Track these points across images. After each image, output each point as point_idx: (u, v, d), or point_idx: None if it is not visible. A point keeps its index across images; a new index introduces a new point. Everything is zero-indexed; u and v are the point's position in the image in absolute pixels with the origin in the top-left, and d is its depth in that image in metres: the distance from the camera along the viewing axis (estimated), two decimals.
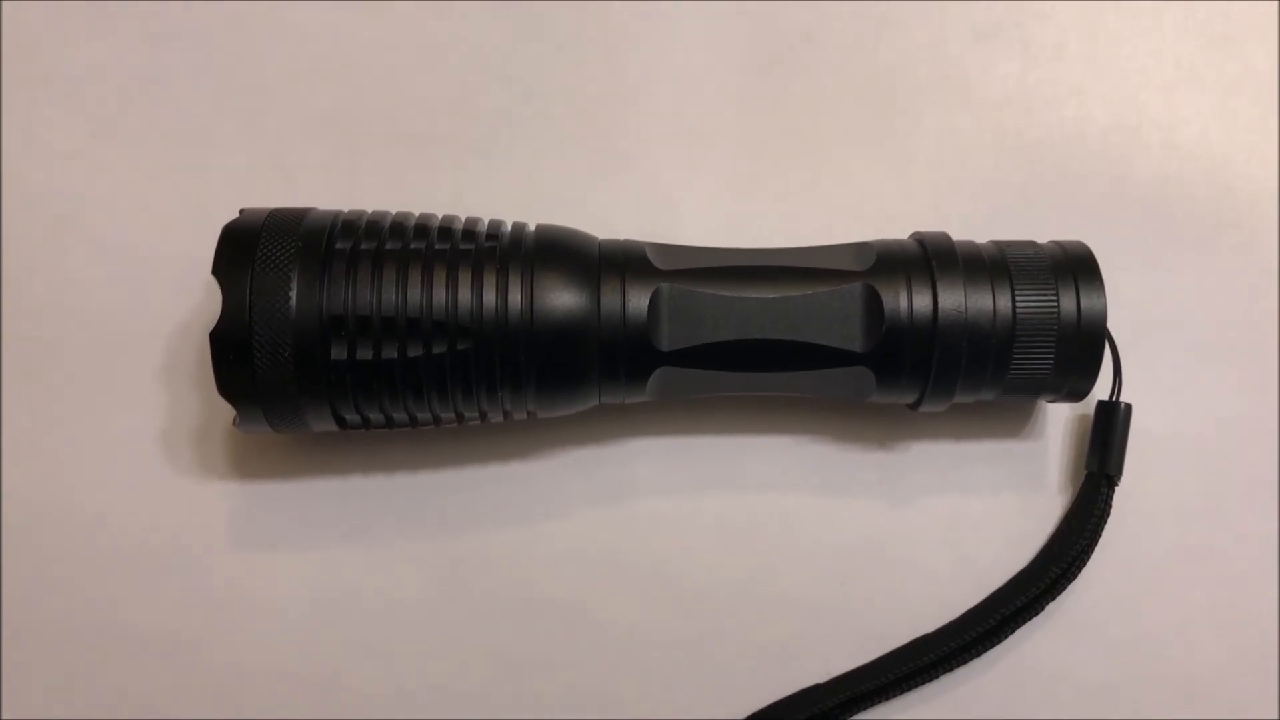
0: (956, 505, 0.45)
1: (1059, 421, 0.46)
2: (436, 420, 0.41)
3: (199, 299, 0.46)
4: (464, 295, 0.39)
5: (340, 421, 0.40)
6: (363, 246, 0.39)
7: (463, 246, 0.40)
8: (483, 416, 0.41)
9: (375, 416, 0.40)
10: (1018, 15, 0.50)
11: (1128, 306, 0.46)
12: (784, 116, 0.50)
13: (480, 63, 0.50)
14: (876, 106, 0.50)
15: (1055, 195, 0.49)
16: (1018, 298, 0.40)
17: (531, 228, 0.42)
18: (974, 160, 0.49)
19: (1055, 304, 0.40)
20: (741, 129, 0.50)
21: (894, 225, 0.46)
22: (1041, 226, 0.45)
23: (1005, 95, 0.50)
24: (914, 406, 0.43)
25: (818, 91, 0.50)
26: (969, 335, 0.40)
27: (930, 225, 0.45)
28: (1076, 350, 0.41)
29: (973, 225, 0.44)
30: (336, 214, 0.40)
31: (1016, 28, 0.50)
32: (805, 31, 0.50)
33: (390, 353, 0.38)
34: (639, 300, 0.40)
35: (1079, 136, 0.49)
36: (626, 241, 0.42)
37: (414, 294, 0.38)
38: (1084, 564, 0.44)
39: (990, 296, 0.40)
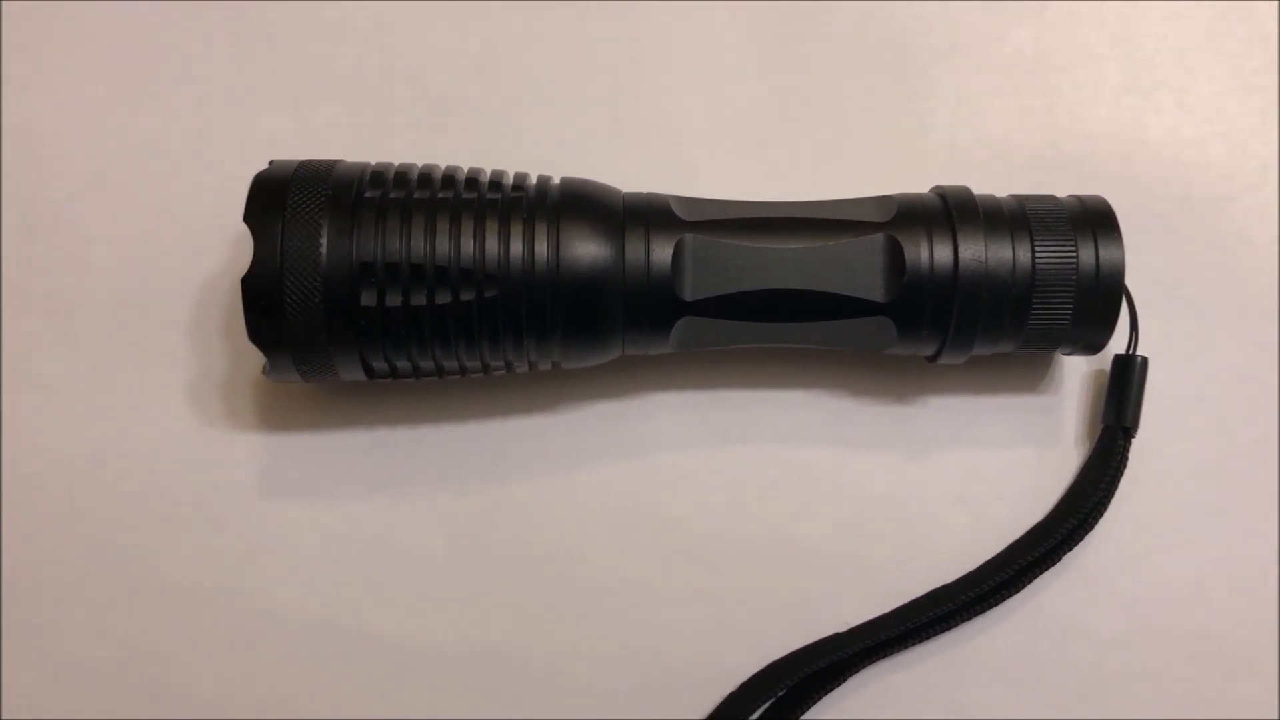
0: (973, 458, 0.46)
1: (1075, 376, 0.47)
2: (463, 370, 0.42)
3: (226, 253, 0.47)
4: (491, 244, 0.39)
5: (368, 370, 0.41)
6: (392, 196, 0.40)
7: (490, 197, 0.40)
8: (508, 366, 0.42)
9: (403, 365, 0.41)
10: None
11: (1143, 267, 0.46)
12: (802, 79, 0.50)
13: (504, 25, 0.50)
14: (893, 70, 0.50)
15: (1070, 157, 0.49)
16: (1037, 249, 0.41)
17: (557, 180, 0.42)
18: (989, 123, 0.50)
19: (1074, 256, 0.41)
20: (760, 92, 0.50)
21: (910, 187, 0.47)
22: (1056, 189, 0.46)
23: (1020, 58, 0.50)
24: (933, 358, 0.44)
25: (835, 55, 0.50)
26: (989, 286, 0.41)
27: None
28: (1095, 302, 0.41)
29: (988, 187, 0.45)
30: (365, 165, 0.41)
31: None
32: None
33: (419, 300, 0.39)
34: (663, 251, 0.40)
35: (1093, 99, 0.50)
36: (651, 194, 0.43)
37: (442, 242, 0.39)
38: (1100, 516, 0.44)
39: (1010, 248, 0.41)
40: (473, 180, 0.41)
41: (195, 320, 0.46)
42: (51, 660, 0.44)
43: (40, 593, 0.44)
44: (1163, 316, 0.47)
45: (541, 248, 0.40)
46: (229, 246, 0.47)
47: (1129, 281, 0.42)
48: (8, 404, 0.46)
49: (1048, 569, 0.44)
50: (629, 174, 0.48)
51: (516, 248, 0.39)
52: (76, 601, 0.44)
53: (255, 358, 0.40)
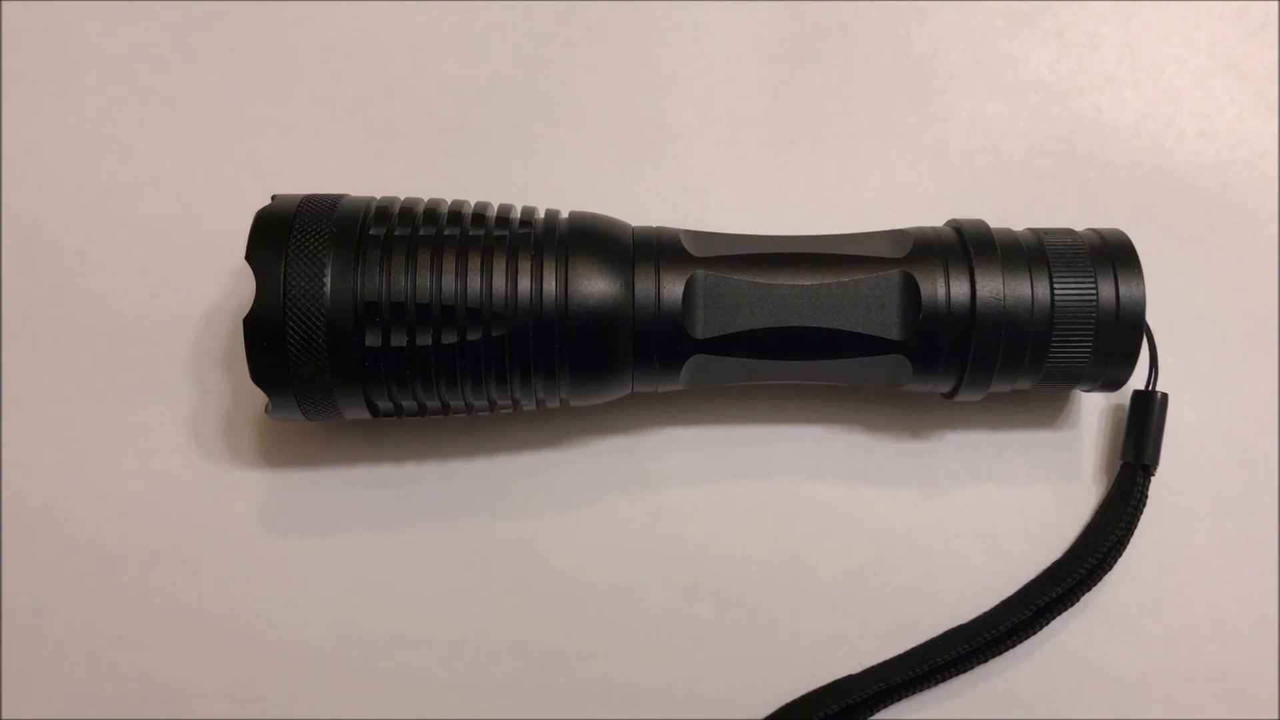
0: (990, 495, 0.45)
1: (1093, 411, 0.46)
2: (469, 408, 0.41)
3: (228, 286, 0.46)
4: (498, 282, 0.38)
5: (373, 409, 0.40)
6: (396, 233, 0.39)
7: (497, 233, 0.39)
8: (515, 404, 0.41)
9: (408, 404, 0.40)
10: (1052, 2, 0.50)
11: (1162, 297, 0.45)
12: (816, 105, 0.49)
13: (512, 50, 0.49)
14: (910, 95, 0.49)
15: (1089, 184, 0.48)
16: (1056, 286, 0.40)
17: (565, 215, 0.41)
18: (1007, 149, 0.49)
19: (1094, 292, 0.40)
20: (774, 118, 0.49)
21: (927, 215, 0.46)
22: (1075, 216, 0.45)
23: (1039, 83, 0.49)
24: (949, 395, 0.43)
25: (850, 80, 0.50)
26: (1007, 323, 0.40)
27: (964, 215, 0.45)
28: (1114, 339, 0.40)
29: (1006, 215, 0.44)
30: (369, 200, 0.40)
31: (1050, 15, 0.50)
32: (838, 19, 0.50)
33: (425, 340, 0.38)
34: (674, 287, 0.40)
35: (1113, 125, 0.49)
36: (660, 228, 0.42)
37: (448, 280, 0.38)
38: (1120, 554, 0.43)
39: (1029, 284, 0.40)
40: (479, 216, 0.40)
41: (197, 353, 0.45)
42: (53, 697, 0.43)
43: (41, 629, 0.44)
44: (1183, 350, 0.46)
45: (550, 285, 0.39)
46: (231, 277, 0.46)
47: (1149, 314, 0.41)
48: (7, 438, 0.45)
49: (1066, 608, 0.43)
50: (639, 201, 0.47)
51: (524, 285, 0.39)
52: (77, 637, 0.44)
53: (258, 391, 0.40)
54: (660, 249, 0.40)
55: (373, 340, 0.38)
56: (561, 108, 0.49)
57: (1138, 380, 0.43)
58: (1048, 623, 0.43)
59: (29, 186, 0.47)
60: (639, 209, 0.44)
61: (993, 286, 0.40)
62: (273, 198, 0.40)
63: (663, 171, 0.49)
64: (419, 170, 0.48)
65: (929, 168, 0.49)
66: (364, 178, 0.45)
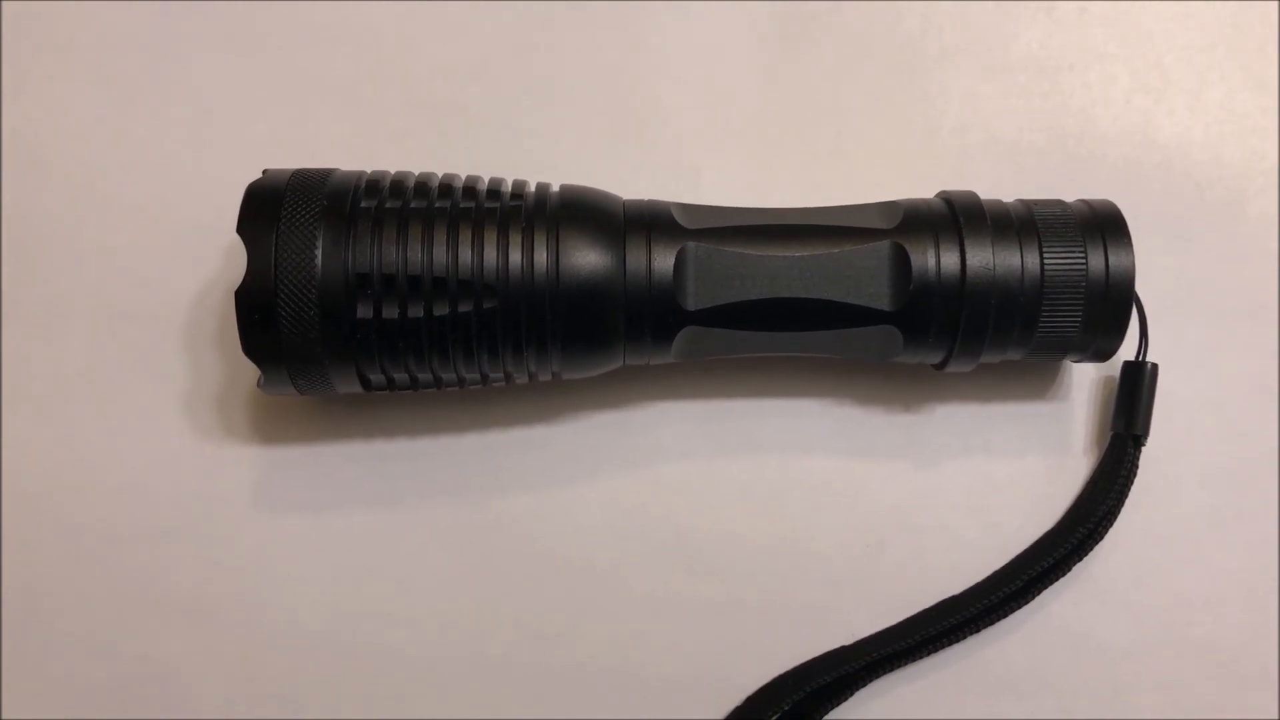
0: (981, 467, 0.45)
1: (1084, 383, 0.46)
2: (461, 381, 0.41)
3: (220, 262, 0.46)
4: (490, 254, 0.38)
5: (365, 382, 0.40)
6: (387, 205, 0.39)
7: (488, 205, 0.39)
8: (507, 377, 0.41)
9: (400, 377, 0.40)
10: None
11: (1153, 271, 0.45)
12: (808, 84, 0.49)
13: (502, 28, 0.49)
14: (900, 72, 0.50)
15: (1080, 160, 0.49)
16: (1046, 256, 0.40)
17: (556, 188, 0.41)
18: (997, 126, 0.49)
19: (1083, 262, 0.40)
20: (765, 95, 0.49)
21: (918, 191, 0.46)
22: (1067, 192, 0.45)
23: (1029, 59, 0.49)
24: (940, 366, 0.43)
25: (841, 57, 0.50)
26: (997, 293, 0.40)
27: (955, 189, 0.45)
28: (1104, 309, 0.41)
29: (997, 191, 0.44)
30: (360, 174, 0.40)
31: None
32: None
33: (416, 312, 0.38)
34: (665, 259, 0.40)
35: (1103, 101, 0.49)
36: (652, 201, 0.42)
37: (439, 252, 0.38)
38: (1110, 525, 0.44)
39: (1018, 255, 0.40)
40: (470, 189, 0.40)
41: (189, 331, 0.46)
42: (50, 676, 0.43)
43: (37, 608, 0.44)
44: (1173, 322, 0.46)
45: (541, 257, 0.39)
46: (223, 255, 0.46)
47: (1139, 287, 0.42)
48: (1, 418, 0.45)
49: (1057, 579, 0.44)
50: (630, 179, 0.47)
51: (515, 257, 0.39)
52: (73, 616, 0.44)
53: (250, 368, 0.40)
54: (651, 221, 0.40)
55: (364, 312, 0.38)
56: (553, 87, 0.49)
57: (1128, 351, 0.44)
58: (1038, 594, 0.43)
59: (20, 167, 0.47)
60: (631, 188, 0.44)
61: (983, 257, 0.40)
62: (264, 172, 0.40)
63: (654, 151, 0.49)
64: (410, 149, 0.48)
65: (920, 146, 0.49)
66: (356, 158, 0.45)
